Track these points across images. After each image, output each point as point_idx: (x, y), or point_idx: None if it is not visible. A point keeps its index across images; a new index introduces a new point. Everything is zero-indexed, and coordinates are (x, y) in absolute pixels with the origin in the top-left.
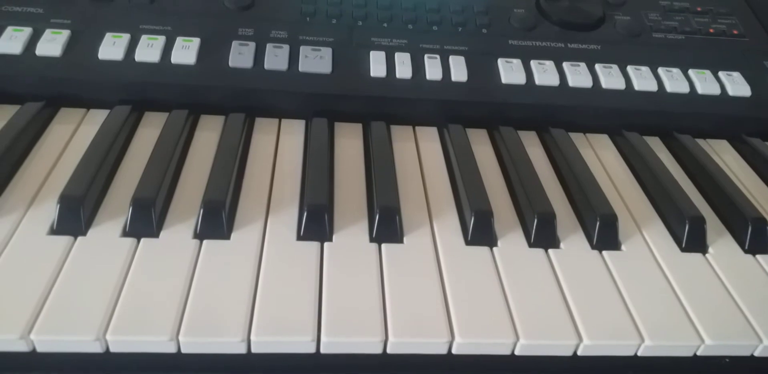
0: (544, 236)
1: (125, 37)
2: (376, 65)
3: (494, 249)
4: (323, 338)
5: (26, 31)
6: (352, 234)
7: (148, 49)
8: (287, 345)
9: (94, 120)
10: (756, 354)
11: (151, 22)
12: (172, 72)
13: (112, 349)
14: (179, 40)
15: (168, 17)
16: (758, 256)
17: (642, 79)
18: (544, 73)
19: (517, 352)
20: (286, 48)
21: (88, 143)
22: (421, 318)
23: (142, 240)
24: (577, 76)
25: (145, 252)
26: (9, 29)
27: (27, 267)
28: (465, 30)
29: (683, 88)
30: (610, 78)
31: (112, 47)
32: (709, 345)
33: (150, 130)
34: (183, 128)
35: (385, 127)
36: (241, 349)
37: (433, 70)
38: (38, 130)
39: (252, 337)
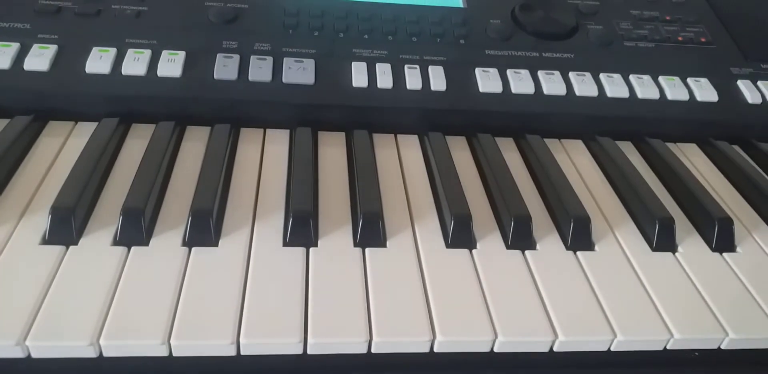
0: (520, 238)
1: (112, 51)
2: (358, 75)
3: (473, 251)
4: (310, 339)
5: (14, 47)
6: (336, 240)
7: (135, 63)
8: (275, 347)
9: (83, 132)
10: (723, 346)
11: (137, 36)
12: (158, 85)
13: (106, 354)
14: (165, 54)
15: (154, 31)
16: (725, 254)
17: (614, 86)
18: (520, 82)
19: (496, 349)
20: (269, 60)
21: (77, 155)
22: (403, 318)
23: (133, 248)
24: (552, 84)
25: (135, 260)
26: None
27: (21, 277)
28: (443, 41)
29: (653, 94)
30: (584, 85)
31: (98, 61)
32: (678, 338)
33: (138, 141)
34: (170, 139)
35: (367, 136)
36: (231, 351)
37: (413, 79)
38: (27, 143)
39: (241, 339)
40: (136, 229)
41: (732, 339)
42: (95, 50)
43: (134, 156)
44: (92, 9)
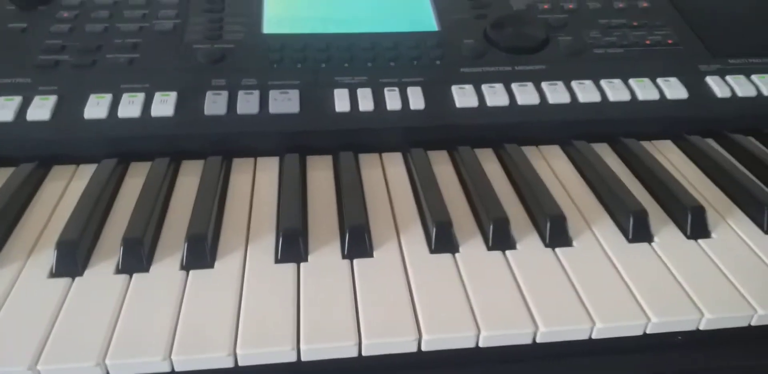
0: (500, 239)
1: (107, 97)
2: (340, 101)
3: (456, 255)
4: (302, 346)
5: (16, 100)
6: (325, 254)
7: (130, 106)
8: (270, 356)
9: (84, 174)
10: (701, 327)
11: (131, 81)
12: (152, 124)
13: (112, 373)
14: (158, 95)
15: (146, 75)
16: (699, 241)
17: (586, 92)
18: (495, 95)
19: (481, 344)
20: (256, 93)
21: (79, 196)
22: (391, 320)
23: (134, 275)
24: (525, 94)
25: (137, 285)
26: (0, 99)
27: (31, 307)
28: (420, 63)
29: (625, 96)
30: (556, 94)
31: (96, 107)
32: (655, 322)
33: (136, 179)
34: (165, 174)
35: (352, 156)
36: (229, 363)
37: (392, 101)
38: (33, 188)
39: (238, 351)
40: (136, 257)
41: (709, 319)
42: (92, 97)
43: (133, 192)
44: (88, 60)
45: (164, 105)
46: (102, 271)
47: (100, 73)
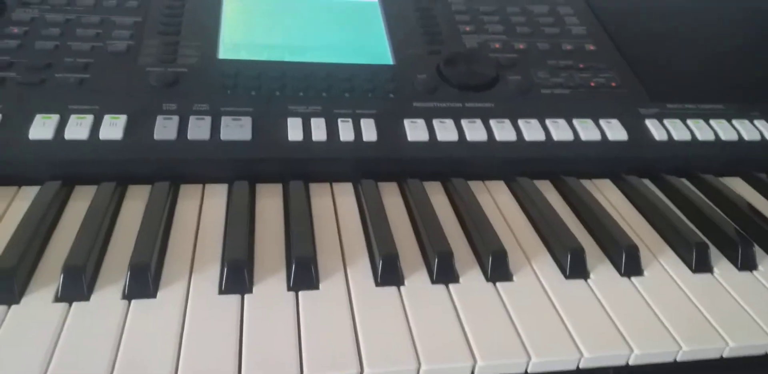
0: (444, 273)
1: (55, 118)
2: (293, 130)
3: (401, 288)
4: None
5: None
6: (271, 285)
7: (77, 128)
8: None
9: (26, 196)
10: (630, 362)
11: (80, 102)
12: (100, 148)
13: None
14: (107, 118)
15: (96, 97)
16: (633, 278)
17: (531, 131)
18: (445, 130)
19: None
20: (208, 119)
21: (20, 219)
22: (333, 354)
23: (74, 304)
24: (474, 131)
25: (76, 315)
26: None
27: None
28: (374, 95)
29: (568, 136)
30: (503, 131)
31: (42, 127)
32: (588, 357)
33: (80, 202)
34: (111, 199)
35: (302, 185)
36: None
37: (346, 132)
38: None
39: None
40: (76, 285)
41: (637, 354)
42: (38, 117)
43: (77, 216)
44: (36, 78)
45: (113, 128)
46: (40, 299)
47: (48, 92)
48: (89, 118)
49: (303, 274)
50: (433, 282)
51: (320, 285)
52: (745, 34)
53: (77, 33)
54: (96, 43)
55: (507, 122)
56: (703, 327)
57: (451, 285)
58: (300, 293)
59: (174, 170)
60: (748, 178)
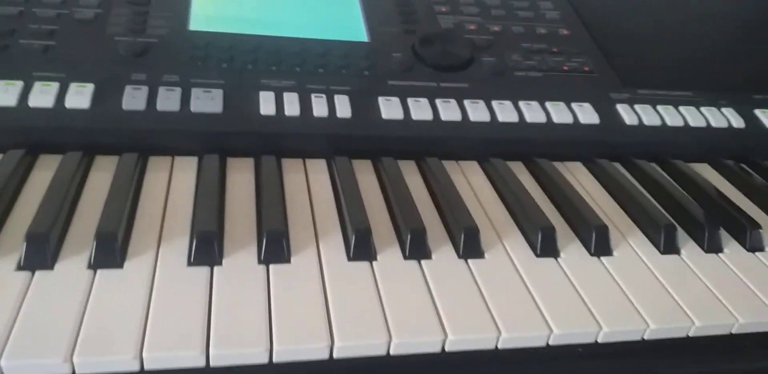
0: (416, 249)
1: (18, 84)
2: (266, 104)
3: (374, 263)
4: (211, 351)
5: None
6: (241, 258)
7: (42, 95)
8: (177, 360)
9: None
10: (599, 340)
11: (45, 69)
12: (66, 116)
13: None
14: (73, 86)
15: (62, 65)
16: (602, 258)
17: (505, 112)
18: (420, 109)
19: (391, 352)
20: (178, 91)
21: None
22: (304, 327)
23: (37, 272)
24: (448, 111)
25: (39, 283)
26: None
27: None
28: (348, 72)
29: (541, 118)
30: (477, 112)
31: (4, 94)
32: (557, 333)
33: (45, 172)
34: (77, 168)
35: (275, 160)
36: (135, 366)
37: (319, 107)
38: None
39: (144, 354)
40: (40, 254)
41: (606, 332)
42: (1, 83)
43: (41, 186)
44: None
45: (80, 96)
46: (1, 268)
47: (12, 58)
48: (55, 86)
49: (274, 247)
50: (406, 257)
51: (292, 259)
52: (717, 24)
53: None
54: (62, 11)
55: (481, 103)
56: (670, 307)
57: (423, 262)
58: (271, 266)
59: (142, 141)
60: (716, 164)
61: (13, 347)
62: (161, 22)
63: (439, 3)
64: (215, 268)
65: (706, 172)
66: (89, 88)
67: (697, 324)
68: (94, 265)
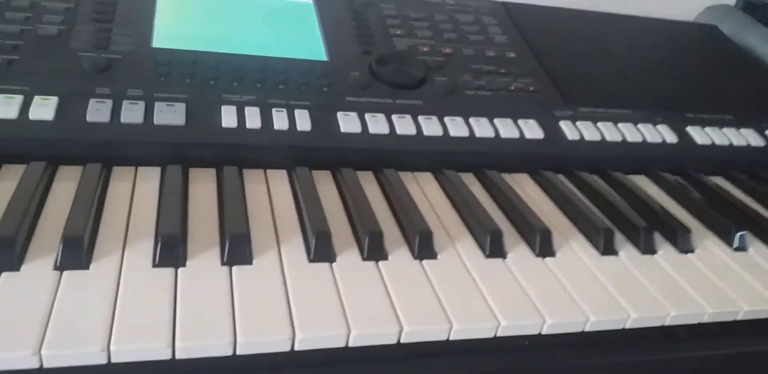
0: (374, 251)
1: None
2: (227, 117)
3: (333, 264)
4: (178, 343)
5: None
6: (204, 260)
7: (5, 107)
8: (144, 352)
9: None
10: (543, 332)
11: (9, 82)
12: (29, 127)
13: None
14: (37, 99)
15: (26, 78)
16: (546, 259)
17: (456, 127)
18: (376, 124)
19: (351, 343)
20: (141, 104)
21: None
22: (265, 322)
23: (3, 274)
24: (404, 125)
25: (4, 284)
26: None
27: None
28: (308, 88)
29: (489, 133)
30: (430, 127)
31: None
32: (504, 325)
33: (8, 182)
34: (41, 177)
35: (236, 170)
36: (102, 359)
37: (280, 121)
38: None
39: (111, 346)
40: (6, 256)
41: (549, 323)
42: None
43: (5, 193)
44: None
45: (44, 108)
46: None
47: None
48: (18, 98)
49: (237, 249)
50: (364, 259)
51: (254, 261)
52: (654, 48)
53: (6, 15)
54: (25, 27)
55: (434, 119)
56: (609, 301)
57: (380, 262)
58: (234, 267)
59: (106, 152)
60: (651, 176)
61: None
62: (125, 38)
63: (394, 26)
64: (179, 269)
65: (642, 182)
66: (53, 100)
67: (633, 316)
68: (61, 267)
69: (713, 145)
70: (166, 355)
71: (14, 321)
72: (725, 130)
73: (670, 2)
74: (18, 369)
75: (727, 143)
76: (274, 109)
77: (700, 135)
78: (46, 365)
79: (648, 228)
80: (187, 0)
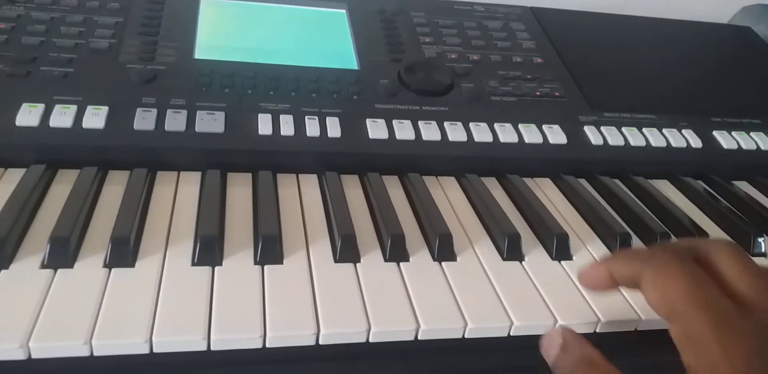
0: (396, 252)
1: (40, 107)
2: (263, 125)
3: (357, 265)
4: (213, 336)
5: None
6: (239, 260)
7: (61, 116)
8: (183, 344)
9: (13, 178)
10: None
11: (64, 93)
12: (83, 135)
13: (34, 355)
14: (89, 108)
15: (79, 90)
16: (562, 262)
17: (481, 133)
18: (403, 130)
19: (371, 339)
20: (184, 112)
21: (6, 199)
22: (294, 317)
23: (59, 270)
24: (429, 131)
25: (61, 280)
26: None
27: None
28: (339, 96)
29: (513, 138)
30: (455, 132)
31: (28, 115)
32: (517, 325)
33: (63, 185)
34: (92, 182)
35: (270, 174)
36: (145, 349)
37: (312, 128)
38: None
39: (153, 338)
40: (61, 254)
41: (561, 324)
42: (25, 106)
43: (60, 197)
44: (22, 70)
45: (96, 117)
46: (28, 266)
47: (34, 83)
48: (73, 108)
49: (269, 250)
50: (386, 260)
51: (284, 261)
52: (682, 50)
53: (61, 30)
54: (79, 41)
55: (459, 125)
56: (621, 304)
57: (401, 264)
58: (266, 267)
59: (151, 158)
60: (675, 180)
61: (39, 332)
62: (169, 51)
63: (423, 34)
64: (216, 268)
65: (665, 187)
66: (104, 110)
67: (644, 318)
68: (109, 265)
69: (739, 149)
70: (201, 347)
71: (67, 316)
72: (753, 134)
73: (704, 4)
74: (71, 357)
75: (754, 147)
76: (306, 117)
77: (726, 139)
78: (96, 353)
79: (665, 234)
80: (226, 12)
